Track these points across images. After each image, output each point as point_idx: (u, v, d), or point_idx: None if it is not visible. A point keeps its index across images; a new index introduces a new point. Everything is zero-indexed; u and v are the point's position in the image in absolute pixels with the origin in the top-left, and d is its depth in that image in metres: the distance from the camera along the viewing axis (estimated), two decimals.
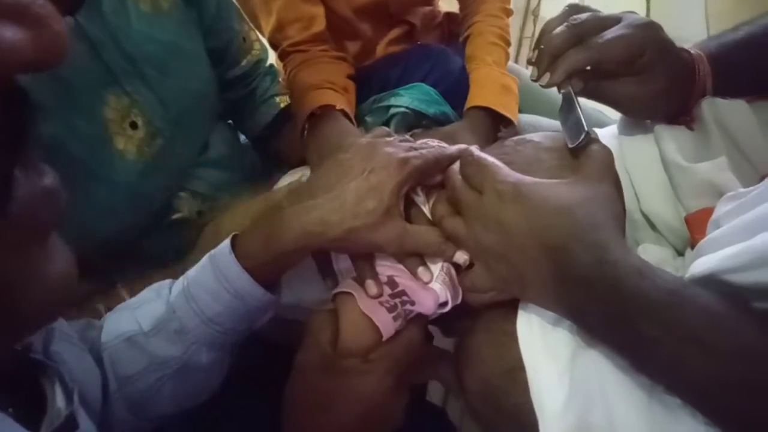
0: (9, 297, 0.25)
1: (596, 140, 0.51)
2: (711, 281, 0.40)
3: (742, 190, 0.49)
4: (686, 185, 0.57)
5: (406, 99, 0.97)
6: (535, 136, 0.58)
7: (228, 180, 0.87)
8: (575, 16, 0.57)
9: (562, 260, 0.44)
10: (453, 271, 0.55)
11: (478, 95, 0.92)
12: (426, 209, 0.56)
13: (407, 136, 0.60)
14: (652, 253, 0.58)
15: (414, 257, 0.54)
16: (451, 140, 0.75)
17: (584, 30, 0.57)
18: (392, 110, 0.97)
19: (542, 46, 0.58)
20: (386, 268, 0.55)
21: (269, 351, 0.63)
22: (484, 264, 0.51)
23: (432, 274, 0.54)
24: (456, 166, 0.54)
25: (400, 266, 0.55)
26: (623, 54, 0.56)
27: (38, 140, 0.24)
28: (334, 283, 0.61)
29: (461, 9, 1.10)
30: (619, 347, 0.43)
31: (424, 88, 1.00)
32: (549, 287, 0.46)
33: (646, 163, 0.61)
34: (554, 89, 0.59)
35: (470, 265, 0.53)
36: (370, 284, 0.53)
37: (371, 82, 1.05)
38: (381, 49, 1.13)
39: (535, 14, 2.08)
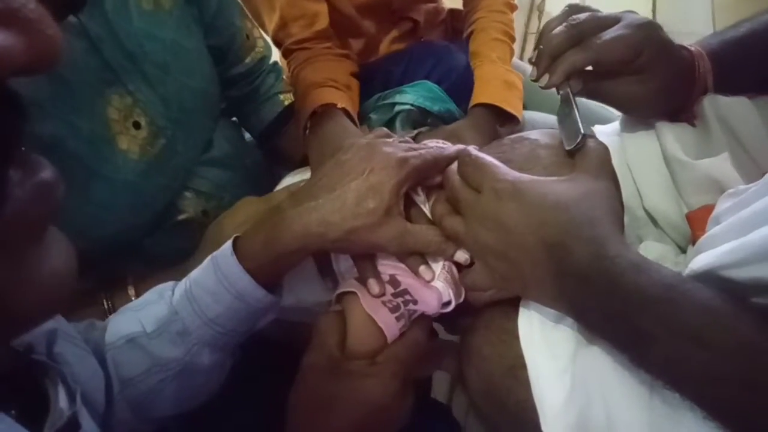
0: (1, 293, 0.25)
1: (593, 138, 0.51)
2: (710, 277, 0.40)
3: (742, 186, 0.49)
4: (688, 182, 0.57)
5: (411, 96, 0.97)
6: (532, 134, 0.58)
7: (232, 179, 0.87)
8: (574, 16, 0.57)
9: (561, 256, 0.44)
10: (455, 270, 0.55)
11: (482, 92, 0.92)
12: (426, 209, 0.56)
13: (407, 137, 0.60)
14: (654, 249, 0.58)
15: (415, 256, 0.55)
16: (456, 138, 0.75)
17: (583, 30, 0.56)
18: (397, 107, 0.98)
19: (542, 47, 0.58)
20: (388, 267, 0.56)
21: (270, 351, 0.64)
22: (484, 262, 0.51)
23: (434, 273, 0.54)
24: (454, 165, 0.54)
25: (402, 265, 0.55)
26: (622, 54, 0.56)
27: (33, 137, 0.24)
28: (334, 284, 0.61)
29: (465, 5, 1.10)
30: (619, 343, 0.43)
31: (429, 85, 1.00)
32: (548, 284, 0.46)
33: (648, 159, 0.61)
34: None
35: (471, 264, 0.53)
36: (373, 283, 0.53)
37: (375, 79, 1.05)
38: (384, 47, 1.13)
39: (540, 10, 2.07)
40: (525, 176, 0.48)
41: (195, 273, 0.55)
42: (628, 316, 0.40)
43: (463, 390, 0.58)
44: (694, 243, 0.55)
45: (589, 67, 0.59)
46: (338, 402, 0.51)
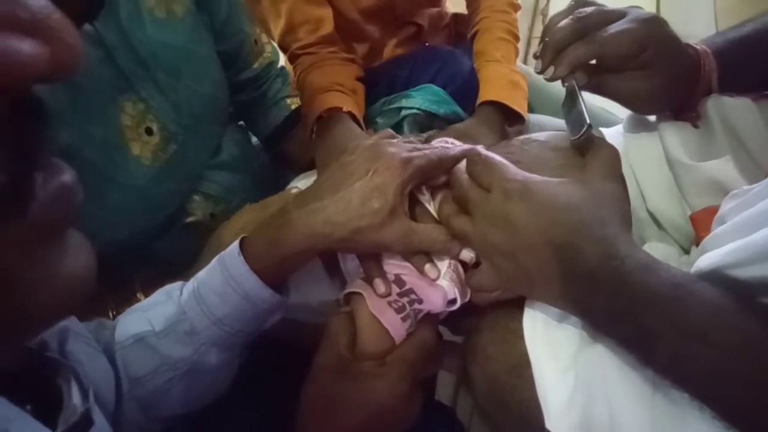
0: (22, 294, 0.25)
1: (598, 136, 0.51)
2: (716, 276, 0.40)
3: (746, 187, 0.49)
4: (691, 184, 0.57)
5: (417, 100, 0.97)
6: (541, 136, 0.58)
7: (240, 182, 0.88)
8: (580, 10, 0.58)
9: (570, 257, 0.44)
10: (460, 269, 0.55)
11: (488, 91, 0.92)
12: (431, 208, 0.56)
13: (411, 138, 0.60)
14: (657, 251, 0.58)
15: (420, 255, 0.55)
16: (466, 137, 0.75)
17: (588, 24, 0.57)
18: (404, 111, 0.98)
19: (547, 39, 0.59)
20: (393, 266, 0.56)
21: (276, 351, 0.64)
22: (491, 262, 0.51)
23: (439, 271, 0.54)
24: (462, 165, 0.54)
25: (408, 264, 0.55)
26: (626, 48, 0.56)
27: (54, 142, 0.25)
28: (342, 284, 0.61)
29: (468, 6, 1.10)
30: (625, 342, 0.43)
31: (434, 88, 1.00)
32: (556, 284, 0.46)
33: (651, 161, 0.61)
34: (560, 85, 0.59)
35: (476, 264, 0.53)
36: (379, 283, 0.54)
37: (379, 83, 1.05)
38: (388, 51, 1.13)
39: (544, 14, 2.07)
40: (536, 177, 0.49)
41: (202, 273, 0.56)
42: (635, 314, 0.40)
43: (467, 390, 0.58)
44: (697, 244, 0.55)
45: (594, 62, 0.59)
46: (348, 402, 0.51)
